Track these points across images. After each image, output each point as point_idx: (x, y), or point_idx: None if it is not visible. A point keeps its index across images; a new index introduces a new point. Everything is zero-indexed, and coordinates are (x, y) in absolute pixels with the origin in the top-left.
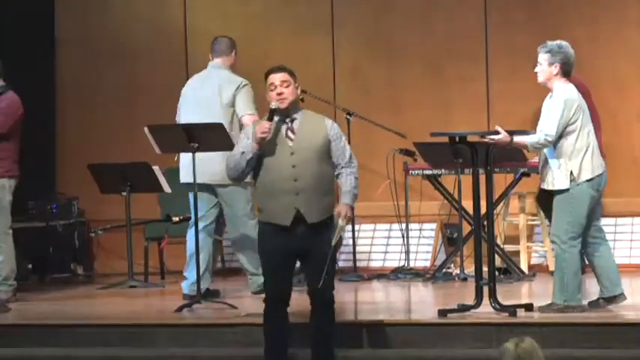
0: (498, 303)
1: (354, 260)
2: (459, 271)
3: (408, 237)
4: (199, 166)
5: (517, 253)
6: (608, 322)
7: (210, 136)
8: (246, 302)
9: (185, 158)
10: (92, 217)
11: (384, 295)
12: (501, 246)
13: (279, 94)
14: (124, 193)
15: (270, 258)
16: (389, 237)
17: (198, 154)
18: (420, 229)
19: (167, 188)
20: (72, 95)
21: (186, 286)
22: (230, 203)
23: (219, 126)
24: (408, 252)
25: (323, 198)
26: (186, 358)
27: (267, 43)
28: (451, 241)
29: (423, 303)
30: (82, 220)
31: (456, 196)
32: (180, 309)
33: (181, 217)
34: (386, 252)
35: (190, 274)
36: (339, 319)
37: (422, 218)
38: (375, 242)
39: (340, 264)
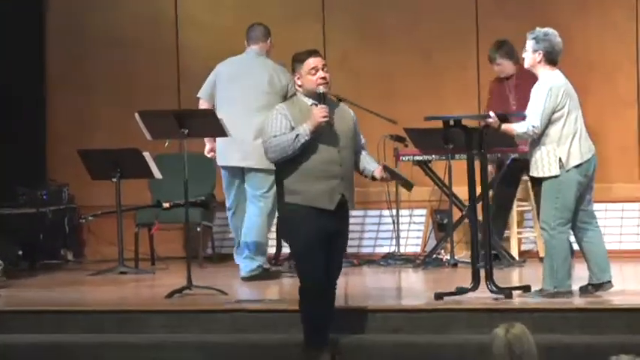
0: (495, 285)
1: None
2: (449, 257)
3: (398, 223)
4: (236, 150)
5: (507, 239)
6: (598, 308)
7: (201, 123)
8: (237, 288)
9: (222, 142)
10: (82, 203)
11: (375, 281)
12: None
13: (323, 77)
14: (114, 179)
15: (309, 240)
16: (379, 223)
17: (234, 138)
18: (411, 215)
19: (157, 174)
20: (62, 83)
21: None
22: (259, 186)
23: (211, 112)
24: (398, 238)
25: (354, 186)
26: (177, 344)
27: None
28: (441, 226)
29: (413, 289)
30: (73, 206)
31: (446, 181)
32: (170, 295)
33: (172, 203)
34: (376, 238)
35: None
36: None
37: (412, 204)
38: (366, 228)
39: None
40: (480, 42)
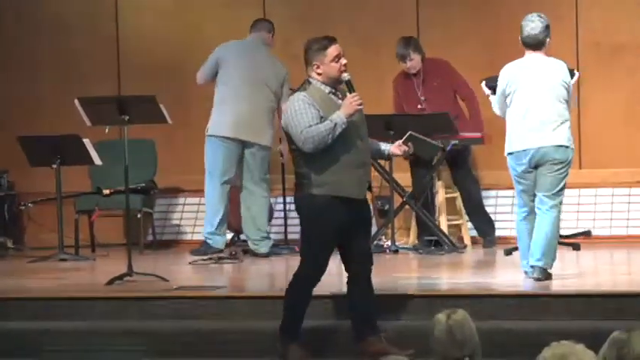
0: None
1: (285, 233)
2: (390, 243)
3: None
4: (248, 125)
5: (455, 225)
6: (537, 294)
7: (142, 109)
8: (178, 275)
9: (233, 114)
10: (22, 189)
11: None
12: (438, 219)
13: (346, 64)
14: (54, 166)
15: (328, 231)
16: None
17: (249, 114)
18: None
19: (98, 160)
20: (1, 68)
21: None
22: (260, 165)
23: (151, 98)
24: None
25: None
26: (118, 331)
27: (199, 16)
28: (382, 213)
29: None
30: (12, 193)
31: (387, 168)
32: (111, 282)
33: (112, 190)
34: None
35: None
36: (266, 292)
37: None
38: None
39: (272, 236)
40: (421, 31)
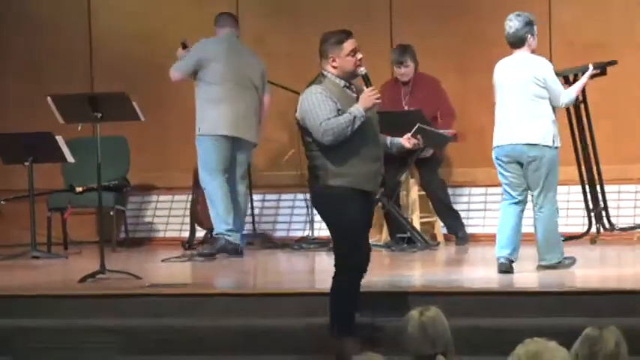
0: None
1: (254, 228)
2: None
3: (312, 207)
4: (244, 123)
5: (428, 223)
6: (511, 291)
7: (115, 106)
8: (150, 272)
9: (231, 114)
10: None
11: (289, 265)
12: (410, 216)
13: (361, 59)
14: (27, 163)
15: (357, 222)
16: (293, 207)
17: (245, 112)
18: None
19: (70, 158)
20: None
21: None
22: (246, 161)
23: (124, 96)
24: (312, 222)
25: None
26: (91, 329)
27: (171, 11)
28: None
29: (327, 272)
30: None
31: None
32: (83, 279)
33: (85, 188)
34: (290, 222)
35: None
36: (239, 289)
37: None
38: (280, 212)
39: (244, 233)
40: (393, 26)
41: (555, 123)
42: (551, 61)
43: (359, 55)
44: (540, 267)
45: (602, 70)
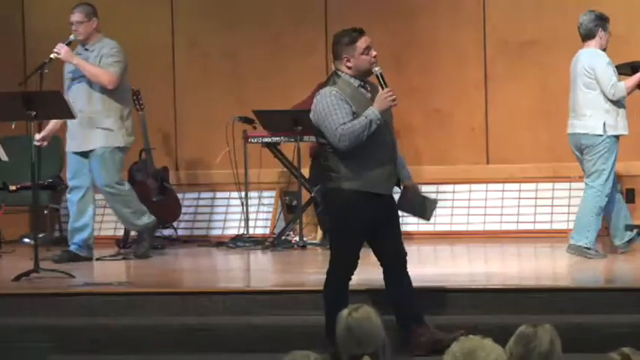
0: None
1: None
2: (298, 239)
3: (247, 205)
4: (80, 137)
5: None
6: (447, 288)
7: (49, 104)
8: (84, 271)
9: (71, 127)
10: None
11: (224, 263)
12: None
13: (376, 56)
14: None
15: (360, 228)
16: (228, 205)
17: (76, 124)
18: (260, 197)
19: (4, 157)
20: None
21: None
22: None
23: (57, 94)
24: (247, 220)
25: None
26: (25, 328)
27: (106, 13)
28: (290, 208)
29: (262, 271)
30: None
31: (295, 163)
32: (17, 278)
33: (18, 186)
34: (225, 220)
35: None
36: (174, 288)
37: (261, 186)
38: (215, 210)
39: (180, 232)
40: (329, 24)
41: (610, 112)
42: (485, 59)
43: (373, 52)
44: (569, 247)
45: None
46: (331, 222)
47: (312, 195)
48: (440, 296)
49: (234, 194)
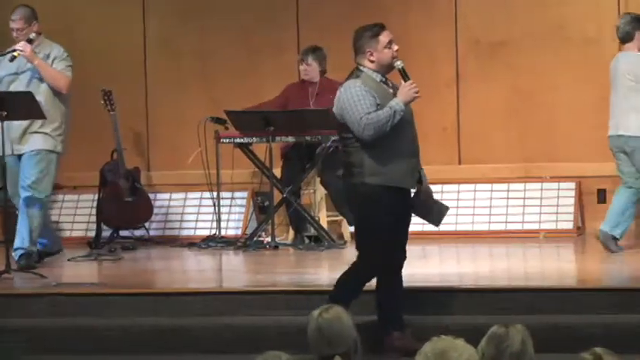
0: None
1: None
2: (270, 240)
3: (219, 205)
4: (19, 139)
5: (334, 222)
6: (418, 288)
7: (20, 105)
8: (56, 272)
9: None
10: None
11: (196, 264)
12: (317, 215)
13: (397, 50)
14: None
15: (387, 222)
16: (200, 205)
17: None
18: (232, 198)
19: None
20: None
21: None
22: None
23: (29, 94)
24: (219, 220)
25: None
26: None
27: (77, 11)
28: (262, 209)
29: (234, 271)
30: None
31: (267, 164)
32: None
33: None
34: (197, 220)
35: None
36: (146, 289)
37: (233, 187)
38: (187, 210)
39: (151, 232)
40: (300, 23)
41: None
42: (457, 59)
43: (395, 47)
44: (600, 233)
45: None
46: (356, 218)
47: (284, 195)
48: (412, 297)
49: (206, 195)
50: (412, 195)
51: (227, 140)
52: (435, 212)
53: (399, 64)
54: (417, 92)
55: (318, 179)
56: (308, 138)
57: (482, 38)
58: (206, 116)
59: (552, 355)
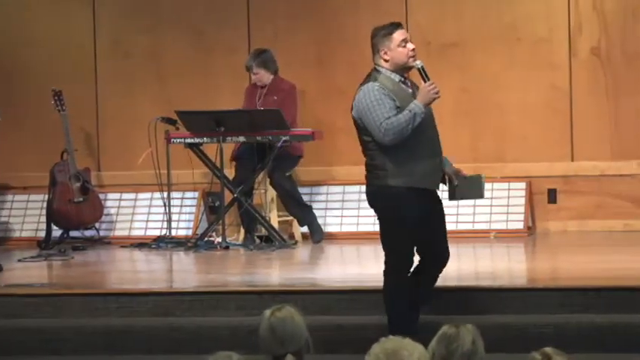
0: None
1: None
2: (220, 240)
3: (169, 206)
4: None
5: (286, 222)
6: (368, 289)
7: None
8: (6, 273)
9: None
10: None
11: (147, 264)
12: (268, 215)
13: (414, 49)
14: None
15: (411, 222)
16: (150, 206)
17: None
18: (182, 198)
19: None
20: None
21: None
22: None
23: None
24: (169, 221)
25: None
26: None
27: (27, 6)
28: (213, 209)
29: (185, 272)
30: None
31: (218, 164)
32: None
33: None
34: (147, 221)
35: None
36: (97, 289)
37: (184, 187)
38: (137, 211)
39: (102, 233)
40: (251, 24)
41: None
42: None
43: (410, 46)
44: None
45: None
46: (380, 220)
47: (235, 195)
48: (363, 297)
49: (157, 195)
50: (448, 185)
51: (178, 140)
52: (478, 186)
53: (418, 63)
54: (437, 93)
55: (268, 180)
56: (259, 138)
57: (433, 39)
58: (157, 116)
59: (503, 355)
